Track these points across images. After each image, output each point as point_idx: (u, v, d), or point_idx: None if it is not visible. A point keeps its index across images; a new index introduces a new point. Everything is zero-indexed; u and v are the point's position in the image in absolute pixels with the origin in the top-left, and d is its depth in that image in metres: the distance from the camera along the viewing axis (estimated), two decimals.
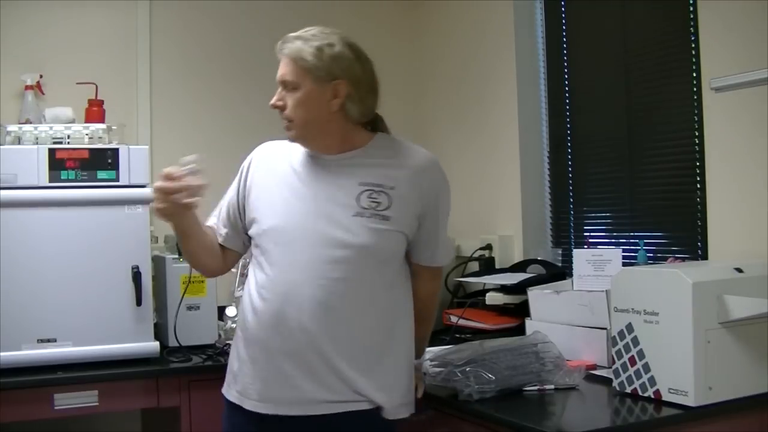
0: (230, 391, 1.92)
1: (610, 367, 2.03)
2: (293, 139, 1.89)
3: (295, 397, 1.81)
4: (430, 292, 2.05)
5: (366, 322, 1.85)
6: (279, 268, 1.84)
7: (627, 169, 2.73)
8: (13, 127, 2.69)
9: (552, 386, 2.00)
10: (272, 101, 1.86)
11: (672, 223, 2.58)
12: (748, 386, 1.86)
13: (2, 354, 2.40)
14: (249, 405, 1.85)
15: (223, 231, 2.01)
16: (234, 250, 2.03)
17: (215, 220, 2.03)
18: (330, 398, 1.80)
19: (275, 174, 1.93)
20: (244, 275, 2.65)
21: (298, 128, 1.86)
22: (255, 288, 1.88)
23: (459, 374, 1.93)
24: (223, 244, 2.01)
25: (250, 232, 1.94)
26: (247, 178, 1.97)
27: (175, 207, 1.80)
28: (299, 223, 1.84)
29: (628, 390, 1.91)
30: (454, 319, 2.73)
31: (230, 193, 2.01)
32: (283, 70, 1.85)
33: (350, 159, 1.89)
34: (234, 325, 2.68)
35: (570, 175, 2.99)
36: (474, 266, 3.10)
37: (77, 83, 3.00)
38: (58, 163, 2.56)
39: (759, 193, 2.14)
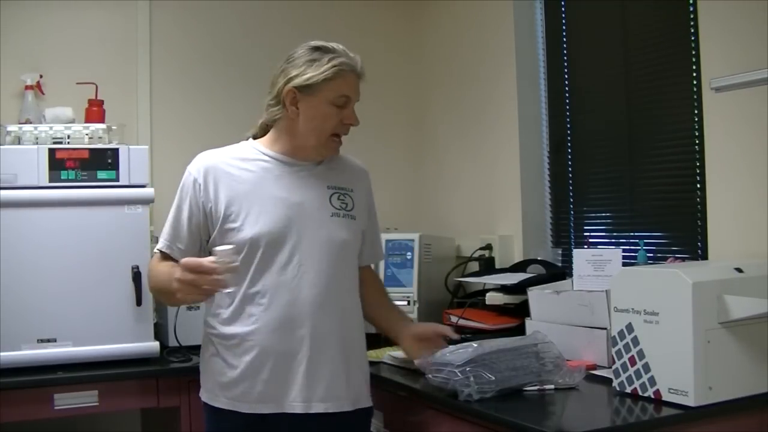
0: (218, 399, 1.94)
1: (610, 367, 2.03)
2: (336, 152, 2.04)
3: (304, 395, 1.89)
4: (377, 286, 2.25)
5: (355, 319, 2.02)
6: (275, 272, 1.89)
7: (627, 169, 2.73)
8: (13, 127, 2.69)
9: (552, 386, 2.00)
10: (356, 121, 1.99)
11: (672, 223, 2.58)
12: (748, 386, 1.85)
13: (2, 354, 2.40)
14: (247, 408, 1.89)
15: (180, 247, 1.96)
16: None
17: (167, 244, 1.98)
18: (337, 395, 1.91)
19: (246, 181, 1.95)
20: None
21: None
22: (244, 296, 1.90)
23: (459, 374, 1.93)
24: (179, 257, 1.91)
25: (232, 240, 1.88)
26: (207, 191, 1.94)
27: (204, 296, 1.81)
28: (290, 226, 1.91)
29: (628, 390, 1.91)
30: (454, 319, 2.73)
31: (184, 212, 1.96)
32: (357, 88, 1.99)
33: (313, 166, 2.02)
34: None
35: (570, 175, 2.99)
36: (474, 266, 3.10)
37: (77, 83, 3.00)
38: (58, 163, 2.56)
39: (759, 193, 2.14)
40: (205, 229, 1.95)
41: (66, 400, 2.43)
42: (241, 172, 1.95)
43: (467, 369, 1.94)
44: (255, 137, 2.06)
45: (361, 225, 2.05)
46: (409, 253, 2.98)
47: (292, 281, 1.89)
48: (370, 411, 2.04)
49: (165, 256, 1.96)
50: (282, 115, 1.95)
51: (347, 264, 1.99)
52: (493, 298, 2.69)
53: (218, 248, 1.76)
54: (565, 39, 3.03)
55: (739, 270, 1.90)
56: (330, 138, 1.96)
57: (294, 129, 1.95)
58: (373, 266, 2.27)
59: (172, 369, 2.57)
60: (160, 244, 1.98)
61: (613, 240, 2.80)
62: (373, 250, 2.16)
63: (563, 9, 3.03)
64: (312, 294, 1.90)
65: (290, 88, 1.91)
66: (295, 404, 1.88)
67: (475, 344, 2.01)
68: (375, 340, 2.42)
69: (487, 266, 3.05)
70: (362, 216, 2.05)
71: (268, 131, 2.03)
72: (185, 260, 1.76)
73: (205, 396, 1.98)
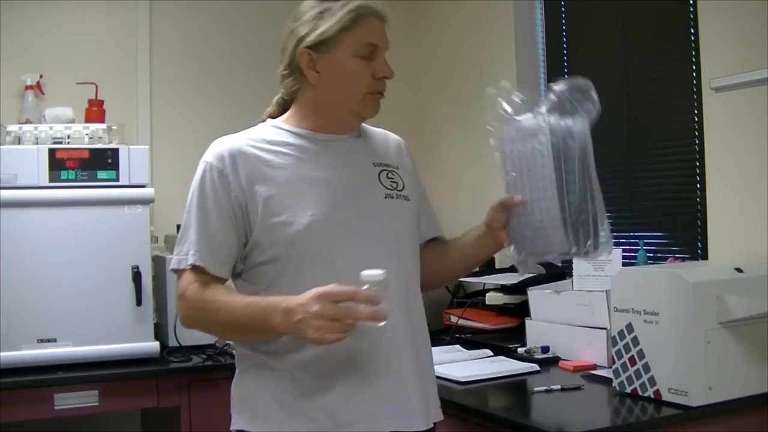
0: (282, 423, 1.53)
1: (610, 367, 2.03)
2: (377, 110, 1.65)
3: (397, 411, 1.54)
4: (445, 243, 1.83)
5: (423, 322, 1.67)
6: (340, 268, 1.51)
7: (627, 169, 2.73)
8: (13, 127, 2.70)
9: (558, 386, 2.00)
10: (391, 72, 1.62)
11: (672, 223, 2.58)
12: (748, 386, 1.85)
13: (2, 354, 2.40)
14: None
15: (223, 259, 1.56)
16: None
17: (203, 258, 1.54)
18: (423, 410, 1.58)
19: (282, 165, 1.58)
20: None
21: None
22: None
23: None
24: (226, 277, 1.59)
25: (279, 237, 1.53)
26: (238, 181, 1.55)
27: (345, 334, 1.40)
28: (343, 213, 1.56)
29: (628, 390, 1.90)
30: (454, 319, 2.73)
31: (212, 213, 1.55)
32: (384, 34, 1.66)
33: (353, 138, 1.69)
34: None
35: None
36: None
37: (77, 83, 3.00)
38: (58, 163, 2.56)
39: (759, 193, 2.14)
40: (242, 231, 1.55)
41: (66, 400, 2.43)
42: (273, 156, 1.58)
43: None
44: (273, 117, 1.69)
45: (415, 206, 1.71)
46: None
47: (345, 274, 1.45)
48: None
49: (198, 274, 1.54)
50: (301, 85, 1.61)
51: (408, 255, 1.64)
52: (493, 298, 2.69)
53: (366, 273, 1.40)
54: (565, 39, 3.03)
55: (739, 270, 1.90)
56: (367, 96, 1.60)
57: (319, 98, 1.60)
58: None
59: (172, 369, 2.57)
60: (194, 258, 1.54)
61: (613, 240, 2.80)
62: (430, 227, 1.79)
63: (563, 9, 3.03)
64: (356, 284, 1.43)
65: (303, 49, 1.56)
66: (391, 421, 1.53)
67: None
68: None
69: (487, 266, 3.05)
70: (414, 196, 1.70)
71: (288, 108, 1.68)
72: (329, 289, 1.38)
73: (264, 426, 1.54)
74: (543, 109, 1.60)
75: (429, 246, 1.77)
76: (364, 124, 1.71)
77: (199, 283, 1.54)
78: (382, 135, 1.77)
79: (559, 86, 1.60)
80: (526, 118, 1.63)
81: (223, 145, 1.60)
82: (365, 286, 1.39)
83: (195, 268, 1.55)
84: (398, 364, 1.55)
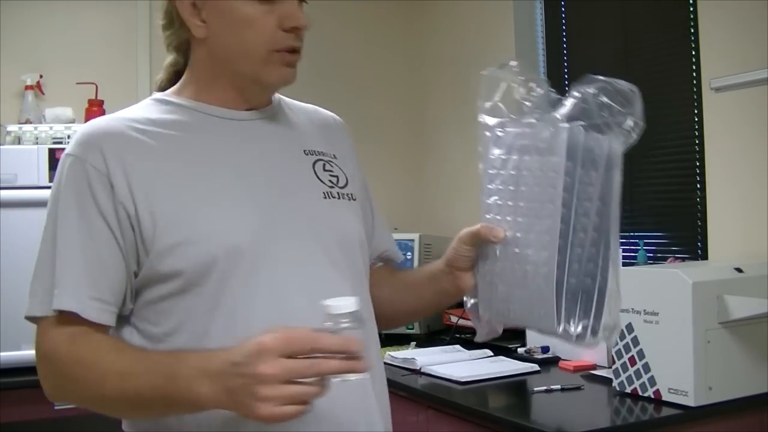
0: None
1: (610, 367, 2.03)
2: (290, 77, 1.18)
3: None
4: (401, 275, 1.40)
5: (379, 355, 1.31)
6: (280, 300, 1.10)
7: (627, 169, 2.71)
8: (13, 127, 2.70)
9: (558, 386, 2.00)
10: (304, 20, 1.15)
11: (672, 223, 2.58)
12: (748, 386, 1.85)
13: (2, 354, 2.41)
14: None
15: (107, 299, 1.08)
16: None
17: (81, 298, 1.06)
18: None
19: (175, 155, 1.13)
20: None
21: None
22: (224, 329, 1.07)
23: None
24: (110, 323, 1.09)
25: (186, 261, 1.07)
26: (118, 183, 1.09)
27: (308, 402, 0.95)
28: (270, 222, 1.13)
29: (628, 390, 1.90)
30: (454, 319, 2.73)
31: (86, 232, 1.08)
32: None
33: (269, 117, 1.24)
34: None
35: None
36: None
37: (77, 83, 3.00)
38: (58, 163, 2.56)
39: (759, 193, 2.14)
40: (132, 253, 1.08)
41: None
42: (167, 144, 1.13)
43: None
44: (164, 87, 1.25)
45: (361, 207, 1.29)
46: (409, 254, 2.98)
47: (289, 304, 1.10)
48: None
49: (69, 323, 1.06)
50: (188, 40, 1.20)
51: (361, 272, 1.24)
52: None
53: (332, 303, 0.97)
54: (565, 39, 3.03)
55: (739, 270, 1.90)
56: (271, 54, 1.14)
57: (210, 59, 1.17)
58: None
59: None
60: (63, 300, 1.06)
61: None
62: (383, 239, 1.37)
63: (563, 9, 3.03)
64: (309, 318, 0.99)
65: None
66: None
67: None
68: None
69: None
70: (360, 195, 1.29)
71: (180, 76, 1.24)
72: (279, 337, 0.94)
73: None
74: (561, 111, 1.13)
75: (377, 269, 1.35)
76: (287, 99, 1.30)
77: (69, 336, 1.05)
78: (313, 112, 1.34)
79: (590, 87, 1.10)
80: (537, 119, 1.15)
81: (96, 132, 1.14)
82: (327, 323, 0.95)
83: (64, 314, 1.06)
84: (369, 423, 1.15)
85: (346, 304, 0.96)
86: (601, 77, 1.09)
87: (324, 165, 1.24)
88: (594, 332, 1.07)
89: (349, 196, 1.25)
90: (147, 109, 1.19)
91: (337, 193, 1.22)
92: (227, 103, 1.19)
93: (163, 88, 1.24)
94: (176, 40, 1.21)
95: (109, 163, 1.09)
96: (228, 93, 1.19)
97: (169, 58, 1.25)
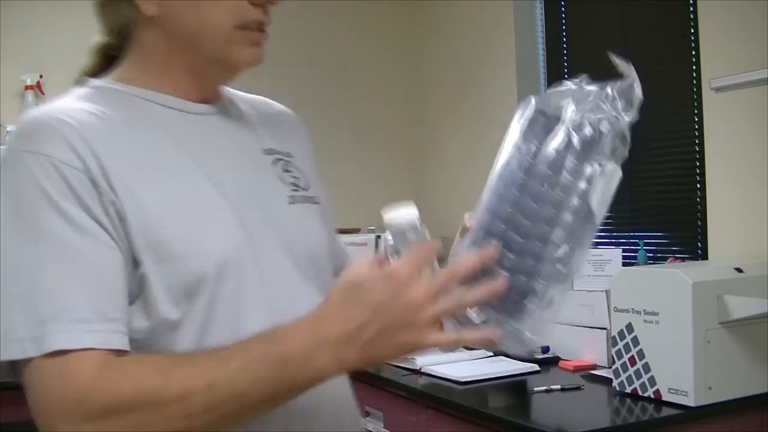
0: None
1: (610, 367, 2.03)
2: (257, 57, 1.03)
3: None
4: None
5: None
6: (230, 314, 0.96)
7: (627, 169, 2.71)
8: (13, 127, 2.69)
9: (558, 386, 2.00)
10: None
11: (672, 223, 2.58)
12: (748, 386, 1.85)
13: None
14: None
15: (119, 317, 0.89)
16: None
17: (102, 325, 0.87)
18: None
19: (153, 158, 0.97)
20: None
21: None
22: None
23: None
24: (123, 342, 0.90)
25: (176, 279, 0.93)
26: (106, 178, 0.91)
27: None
28: (246, 232, 1.00)
29: (628, 390, 1.90)
30: None
31: (81, 241, 0.88)
32: None
33: (222, 110, 1.10)
34: None
35: None
36: None
37: None
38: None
39: (759, 192, 2.14)
40: (129, 261, 0.91)
41: None
42: (127, 139, 0.96)
43: None
44: (94, 74, 1.10)
45: (321, 211, 1.16)
46: None
47: (259, 319, 0.96)
48: None
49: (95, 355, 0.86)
50: (134, 19, 1.04)
51: (324, 279, 1.10)
52: None
53: (394, 215, 0.91)
54: (565, 39, 3.03)
55: (739, 270, 1.90)
56: (234, 32, 0.99)
57: (164, 40, 1.02)
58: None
59: None
60: (93, 340, 0.85)
61: (612, 240, 2.80)
62: (340, 251, 1.26)
63: (563, 9, 3.03)
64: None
65: None
66: None
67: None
68: None
69: None
70: (321, 198, 1.17)
71: (114, 61, 1.09)
72: (393, 269, 0.86)
73: None
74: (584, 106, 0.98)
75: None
76: (232, 90, 1.16)
77: (99, 367, 0.86)
78: (264, 105, 1.20)
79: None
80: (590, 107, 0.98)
81: (49, 121, 0.95)
82: (394, 238, 0.86)
83: (94, 350, 0.85)
84: (353, 419, 1.10)
85: (408, 211, 0.86)
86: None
87: (283, 165, 1.11)
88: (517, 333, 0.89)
89: (312, 199, 1.13)
90: (91, 97, 1.02)
91: (302, 197, 1.11)
92: (180, 93, 1.03)
93: (91, 75, 1.08)
94: (118, 19, 1.05)
95: (82, 156, 0.90)
96: (182, 81, 1.03)
97: (100, 39, 1.10)
